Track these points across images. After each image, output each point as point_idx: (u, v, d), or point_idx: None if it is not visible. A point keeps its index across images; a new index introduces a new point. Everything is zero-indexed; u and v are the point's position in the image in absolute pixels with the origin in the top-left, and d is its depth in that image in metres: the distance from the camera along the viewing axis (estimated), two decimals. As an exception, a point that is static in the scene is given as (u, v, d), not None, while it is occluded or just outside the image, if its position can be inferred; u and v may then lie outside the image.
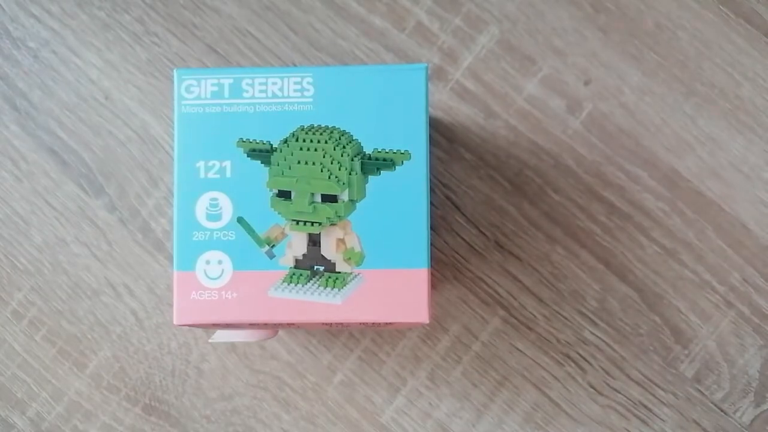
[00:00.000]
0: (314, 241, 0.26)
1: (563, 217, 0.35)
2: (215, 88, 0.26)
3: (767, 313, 0.35)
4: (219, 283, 0.26)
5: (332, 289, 0.26)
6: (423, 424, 0.35)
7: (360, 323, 0.26)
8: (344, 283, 0.26)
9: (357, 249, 0.26)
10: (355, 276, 0.26)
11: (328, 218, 0.26)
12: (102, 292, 0.36)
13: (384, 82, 0.26)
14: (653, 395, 0.35)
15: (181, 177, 0.26)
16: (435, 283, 0.35)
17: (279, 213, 0.26)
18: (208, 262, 0.26)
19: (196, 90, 0.26)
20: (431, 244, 0.29)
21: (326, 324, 0.26)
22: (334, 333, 0.36)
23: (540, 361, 0.35)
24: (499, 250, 0.35)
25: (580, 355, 0.35)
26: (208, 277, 0.26)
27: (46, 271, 0.36)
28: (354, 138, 0.26)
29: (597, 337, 0.35)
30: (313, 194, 0.26)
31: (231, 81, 0.26)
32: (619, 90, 0.36)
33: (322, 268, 0.26)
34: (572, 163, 0.35)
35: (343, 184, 0.26)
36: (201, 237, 0.26)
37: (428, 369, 0.35)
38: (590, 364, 0.35)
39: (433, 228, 0.35)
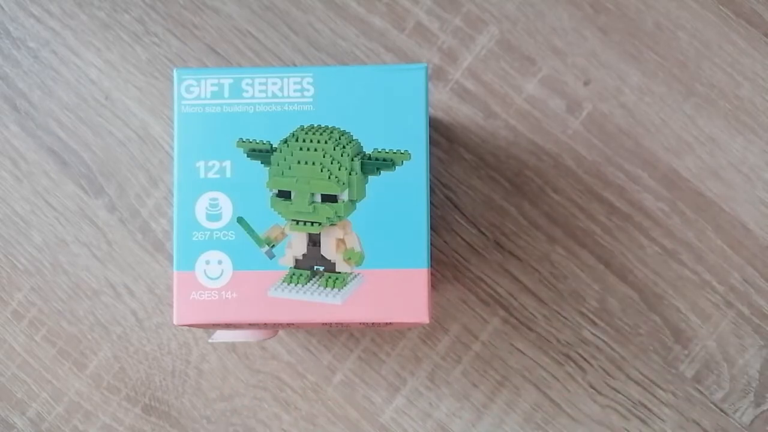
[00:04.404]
0: (314, 241, 0.26)
1: (563, 217, 0.35)
2: (215, 88, 0.26)
3: (767, 313, 0.35)
4: (219, 283, 0.26)
5: (332, 289, 0.26)
6: (423, 424, 0.35)
7: (360, 323, 0.26)
8: (344, 283, 0.26)
9: (357, 249, 0.26)
10: (355, 276, 0.26)
11: (328, 218, 0.26)
12: (102, 292, 0.36)
13: (384, 82, 0.26)
14: (653, 395, 0.35)
15: (181, 177, 0.26)
16: (435, 283, 0.35)
17: (279, 213, 0.26)
18: (208, 262, 0.26)
19: (196, 90, 0.26)
20: (431, 244, 0.29)
21: (326, 324, 0.26)
22: (334, 333, 0.36)
23: (540, 361, 0.35)
24: (499, 250, 0.35)
25: (580, 355, 0.35)
26: (208, 277, 0.26)
27: (46, 271, 0.36)
28: (354, 138, 0.26)
29: (597, 337, 0.35)
30: (313, 194, 0.26)
31: (231, 81, 0.26)
32: (619, 90, 0.36)
33: (322, 268, 0.26)
34: (572, 163, 0.35)
35: (343, 184, 0.26)
36: (201, 237, 0.26)
37: (428, 369, 0.35)
38: (590, 364, 0.35)
39: (433, 228, 0.35)
